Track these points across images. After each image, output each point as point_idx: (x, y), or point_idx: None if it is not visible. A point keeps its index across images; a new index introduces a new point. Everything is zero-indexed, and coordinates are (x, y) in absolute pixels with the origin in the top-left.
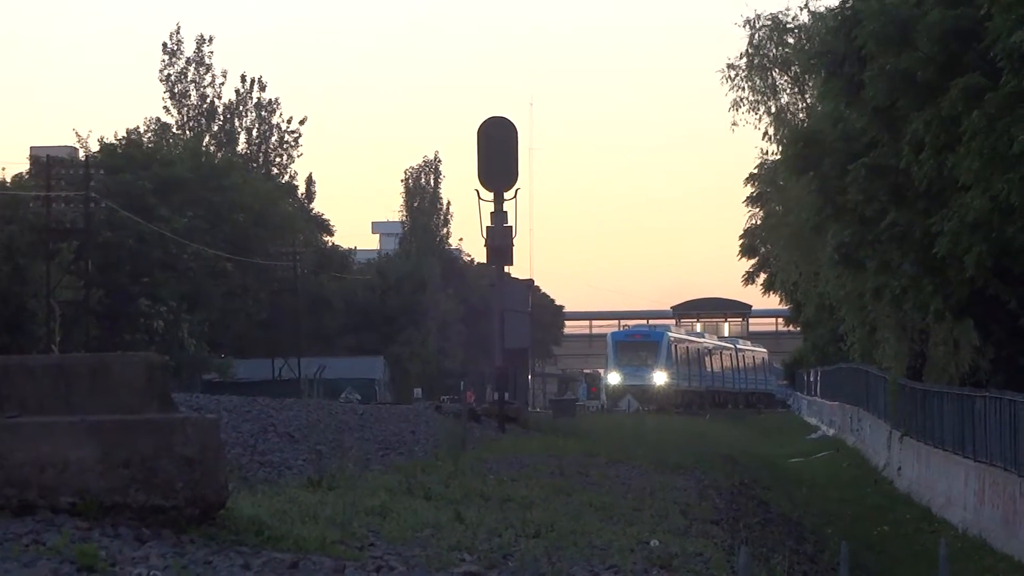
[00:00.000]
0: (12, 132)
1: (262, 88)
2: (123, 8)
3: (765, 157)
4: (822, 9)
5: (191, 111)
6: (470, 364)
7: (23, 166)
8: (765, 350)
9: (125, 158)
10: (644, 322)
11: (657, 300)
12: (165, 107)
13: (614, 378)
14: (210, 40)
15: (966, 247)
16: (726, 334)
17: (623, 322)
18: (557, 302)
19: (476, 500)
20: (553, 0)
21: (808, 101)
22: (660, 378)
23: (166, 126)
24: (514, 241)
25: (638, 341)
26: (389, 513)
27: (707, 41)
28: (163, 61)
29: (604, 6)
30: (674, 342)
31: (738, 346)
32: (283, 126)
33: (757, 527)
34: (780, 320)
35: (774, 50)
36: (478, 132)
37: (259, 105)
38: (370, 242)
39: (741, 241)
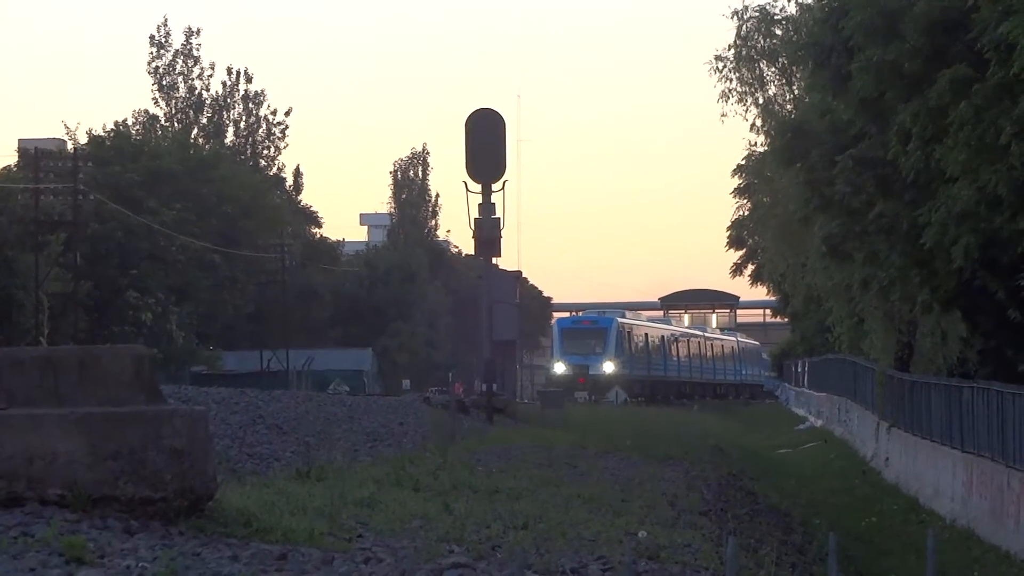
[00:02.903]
0: (0, 124)
1: (249, 80)
2: (111, 0)
3: (753, 148)
4: (809, 0)
5: (179, 103)
6: (458, 356)
7: (11, 158)
8: (735, 338)
9: (113, 150)
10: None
11: (645, 292)
12: (153, 99)
13: (559, 367)
14: (198, 32)
15: (953, 238)
16: (714, 325)
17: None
18: (545, 294)
19: (464, 491)
20: None
21: (796, 92)
22: (608, 366)
23: (154, 118)
24: (502, 233)
25: (585, 328)
26: (377, 505)
27: (695, 32)
28: (151, 54)
29: None
30: (625, 328)
31: (707, 334)
32: (270, 118)
33: (745, 518)
34: (768, 311)
35: (762, 41)
36: (466, 124)
37: (246, 97)
38: (358, 234)
39: (729, 232)
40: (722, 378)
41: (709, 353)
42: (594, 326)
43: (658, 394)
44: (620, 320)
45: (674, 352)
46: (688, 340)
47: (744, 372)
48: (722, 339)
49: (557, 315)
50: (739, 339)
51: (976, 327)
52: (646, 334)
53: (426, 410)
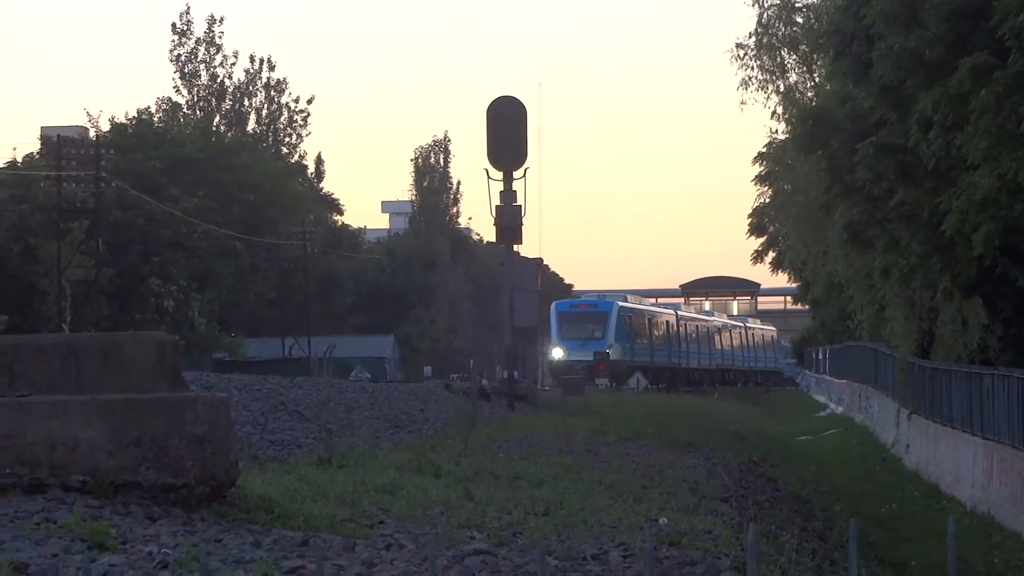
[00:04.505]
0: (23, 112)
1: (271, 68)
2: None
3: (774, 136)
4: None
5: (201, 91)
6: (479, 343)
7: (34, 146)
8: (743, 324)
9: (136, 138)
10: (653, 301)
11: (666, 279)
12: (175, 87)
13: (557, 353)
14: (220, 20)
15: (974, 225)
16: (735, 312)
17: None
18: (566, 281)
19: (486, 478)
20: None
21: (816, 80)
22: (609, 353)
23: (177, 106)
24: (523, 220)
25: (584, 311)
26: (399, 491)
27: (716, 20)
28: (173, 41)
29: None
30: (627, 313)
31: (715, 319)
32: (292, 106)
33: (766, 504)
34: (789, 298)
35: (783, 29)
36: (487, 111)
37: (268, 85)
38: (380, 221)
39: (750, 220)
40: (730, 364)
41: (717, 339)
42: (593, 310)
43: (662, 381)
44: (621, 304)
45: (680, 338)
46: (695, 325)
47: (756, 358)
48: (732, 324)
49: None
50: (748, 324)
51: (997, 314)
52: (649, 319)
53: (447, 397)
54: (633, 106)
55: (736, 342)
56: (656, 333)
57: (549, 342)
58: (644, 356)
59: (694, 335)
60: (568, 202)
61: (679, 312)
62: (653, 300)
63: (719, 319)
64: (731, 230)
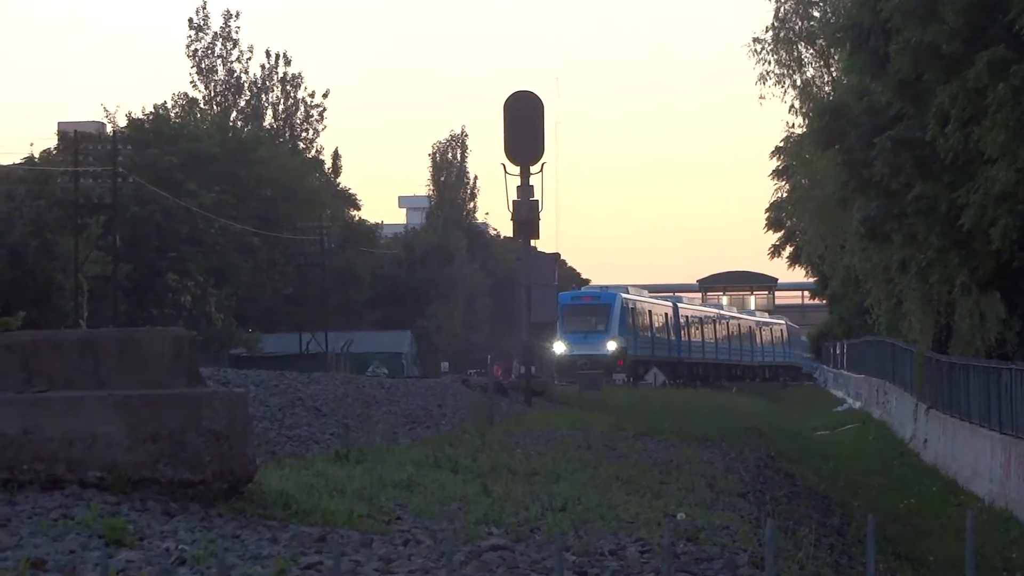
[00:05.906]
0: (40, 107)
1: (287, 63)
2: None
3: (791, 130)
4: None
5: (218, 86)
6: (497, 338)
7: (51, 141)
8: (754, 317)
9: (153, 133)
10: (671, 295)
11: (684, 273)
12: (192, 82)
13: (559, 347)
14: (236, 15)
15: (992, 219)
16: (752, 307)
17: None
18: (583, 275)
19: (503, 474)
20: None
21: (834, 74)
22: (612, 346)
23: (193, 101)
24: (540, 215)
25: (587, 304)
26: (416, 487)
27: (733, 14)
28: (190, 36)
29: None
30: (631, 305)
31: (723, 312)
32: (308, 100)
33: (784, 500)
34: (806, 293)
35: (800, 23)
36: (504, 106)
37: (284, 80)
38: (397, 216)
39: (767, 214)
40: (738, 359)
41: (725, 332)
42: (596, 302)
43: (667, 376)
44: (624, 296)
45: (684, 331)
46: (700, 318)
47: (766, 352)
48: (740, 318)
49: None
50: (757, 317)
51: (1015, 308)
52: (650, 311)
53: (465, 392)
54: (651, 100)
55: (745, 335)
56: (660, 326)
57: (551, 336)
58: (647, 350)
59: (699, 328)
60: (585, 197)
61: (681, 305)
62: (671, 294)
63: (726, 312)
64: (749, 225)
